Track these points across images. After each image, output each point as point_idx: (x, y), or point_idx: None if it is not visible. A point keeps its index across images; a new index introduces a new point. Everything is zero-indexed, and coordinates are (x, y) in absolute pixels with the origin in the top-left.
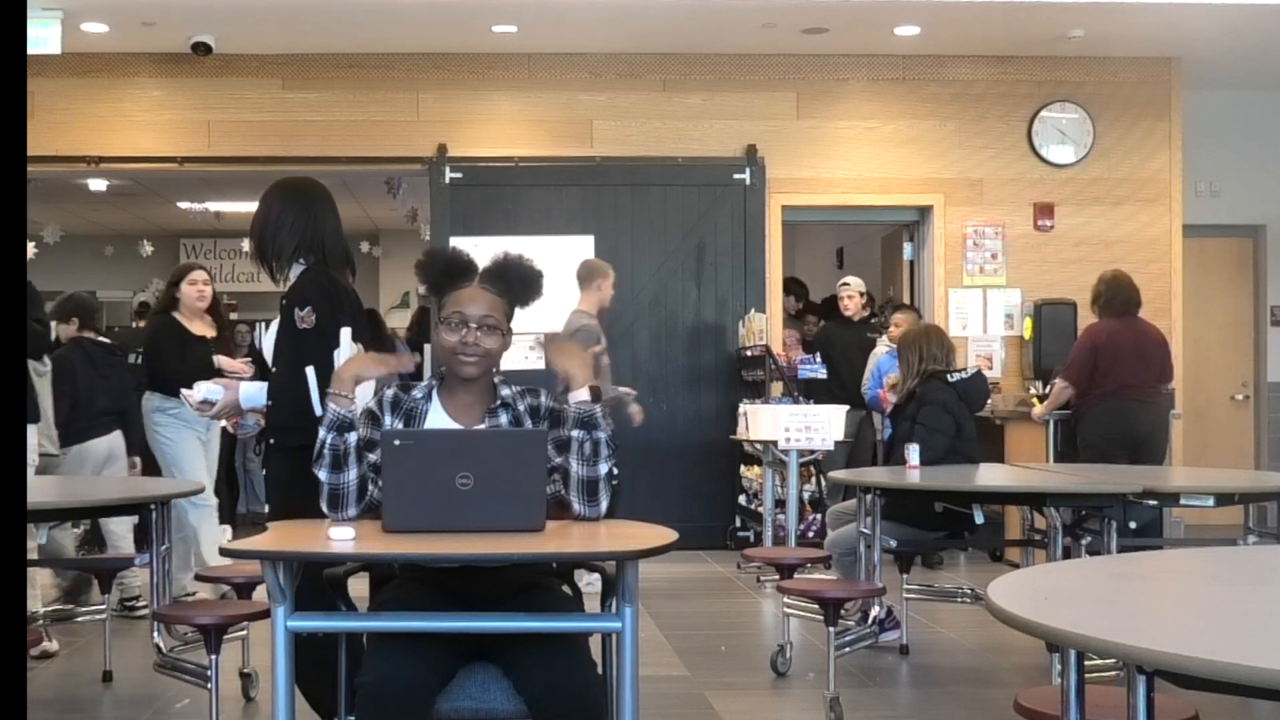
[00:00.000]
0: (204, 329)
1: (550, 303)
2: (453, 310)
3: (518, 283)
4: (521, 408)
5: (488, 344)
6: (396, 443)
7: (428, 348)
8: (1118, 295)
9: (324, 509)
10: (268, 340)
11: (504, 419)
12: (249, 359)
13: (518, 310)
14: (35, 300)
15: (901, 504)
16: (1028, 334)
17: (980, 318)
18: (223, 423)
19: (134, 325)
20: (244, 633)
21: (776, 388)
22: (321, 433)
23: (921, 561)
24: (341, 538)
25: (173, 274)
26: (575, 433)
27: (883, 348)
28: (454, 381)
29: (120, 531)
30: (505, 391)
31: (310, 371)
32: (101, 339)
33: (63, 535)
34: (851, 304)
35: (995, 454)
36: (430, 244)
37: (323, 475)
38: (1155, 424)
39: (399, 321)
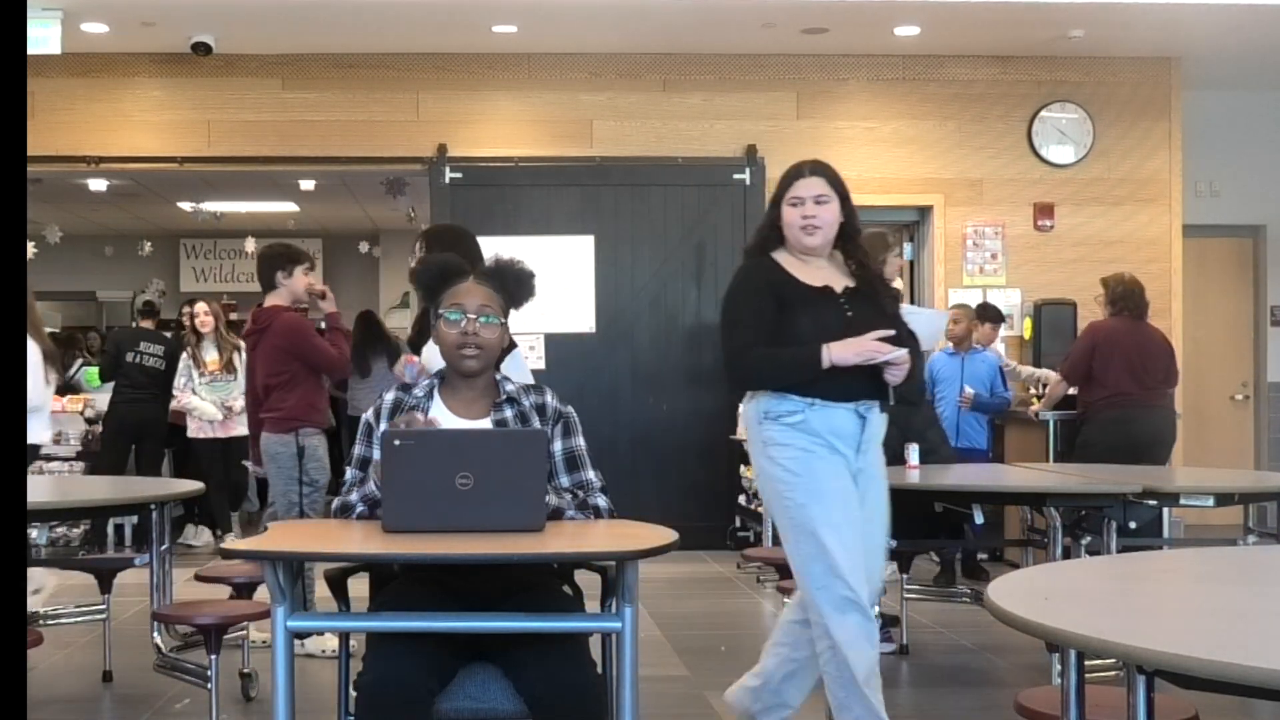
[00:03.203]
0: None
1: (550, 302)
2: (451, 303)
3: (512, 282)
4: (527, 404)
5: (486, 335)
6: (396, 443)
7: (427, 349)
8: (1130, 298)
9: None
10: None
11: (509, 414)
12: None
13: (516, 311)
14: None
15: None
16: (1027, 334)
17: None
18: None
19: (133, 325)
20: (244, 633)
21: None
22: (356, 498)
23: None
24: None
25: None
26: (576, 514)
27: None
28: (455, 379)
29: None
30: (509, 387)
31: None
32: None
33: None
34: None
35: (995, 454)
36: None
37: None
38: (1159, 430)
39: (399, 322)
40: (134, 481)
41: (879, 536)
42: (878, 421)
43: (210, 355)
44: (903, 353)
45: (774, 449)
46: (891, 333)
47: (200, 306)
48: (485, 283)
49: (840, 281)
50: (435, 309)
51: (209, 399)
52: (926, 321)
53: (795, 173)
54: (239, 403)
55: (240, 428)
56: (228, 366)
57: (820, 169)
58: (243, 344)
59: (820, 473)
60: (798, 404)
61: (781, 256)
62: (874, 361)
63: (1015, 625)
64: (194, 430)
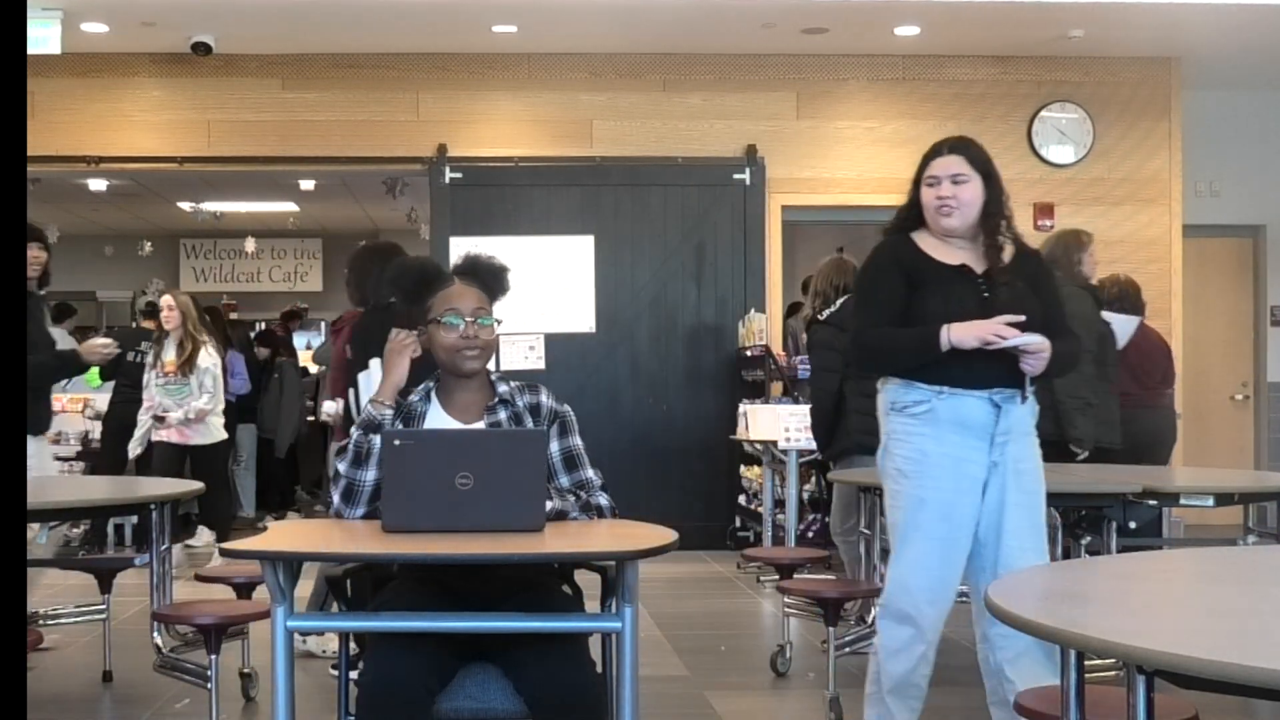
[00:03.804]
0: None
1: (550, 302)
2: (446, 308)
3: (489, 278)
4: (521, 404)
5: (485, 335)
6: (396, 443)
7: (375, 364)
8: (1126, 298)
9: (335, 500)
10: None
11: (503, 415)
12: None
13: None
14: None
15: None
16: None
17: None
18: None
19: (134, 325)
20: (244, 633)
21: (776, 388)
22: (354, 430)
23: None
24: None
25: None
26: (581, 515)
27: None
28: (450, 381)
29: None
30: (503, 388)
31: None
32: None
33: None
34: None
35: None
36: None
37: (342, 467)
38: (1159, 430)
39: None
40: (134, 481)
41: (1023, 537)
42: (1018, 413)
43: (169, 354)
44: (1035, 340)
45: (893, 443)
46: (1022, 318)
47: (165, 300)
48: (470, 282)
49: (981, 263)
50: (423, 314)
51: (164, 402)
52: (1121, 324)
53: (934, 150)
54: (202, 409)
55: (202, 437)
56: (184, 367)
57: (960, 146)
58: (207, 341)
59: (931, 479)
60: (925, 393)
61: (920, 236)
62: (997, 346)
63: (1015, 625)
64: (155, 435)
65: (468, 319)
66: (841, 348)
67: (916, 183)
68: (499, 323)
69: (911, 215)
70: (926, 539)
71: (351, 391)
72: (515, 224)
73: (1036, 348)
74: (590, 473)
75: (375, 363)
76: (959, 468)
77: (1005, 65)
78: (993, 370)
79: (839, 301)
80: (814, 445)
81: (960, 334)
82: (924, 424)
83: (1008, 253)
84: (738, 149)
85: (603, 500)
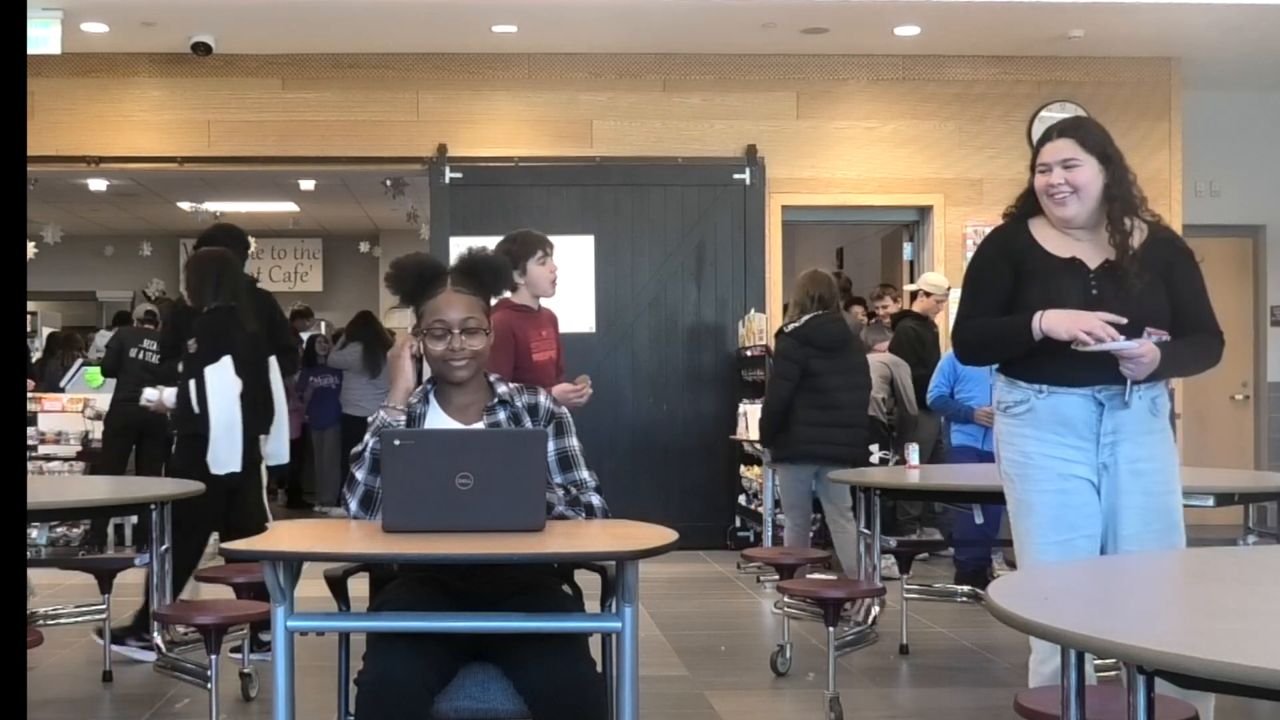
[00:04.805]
0: None
1: (550, 302)
2: (434, 320)
3: (488, 275)
4: (520, 404)
5: (473, 346)
6: (396, 443)
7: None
8: None
9: (353, 506)
10: None
11: (502, 415)
12: None
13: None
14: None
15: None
16: None
17: None
18: None
19: (135, 324)
20: (244, 633)
21: None
22: (368, 436)
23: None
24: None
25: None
26: (568, 510)
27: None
28: (448, 384)
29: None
30: (502, 389)
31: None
32: None
33: None
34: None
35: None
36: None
37: (360, 475)
38: None
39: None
40: (134, 481)
41: (1146, 543)
42: (1129, 411)
43: None
44: (1128, 346)
45: (1002, 445)
46: (1123, 320)
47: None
48: (463, 287)
49: (1099, 255)
50: (416, 315)
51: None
52: None
53: (1044, 135)
54: None
55: None
56: None
57: (1071, 129)
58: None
59: (1035, 484)
60: (1025, 392)
61: (1037, 223)
62: (1086, 346)
63: (1015, 625)
64: None
65: (454, 331)
66: (800, 359)
67: (1033, 168)
68: (488, 332)
69: (1030, 201)
70: (1042, 546)
71: (194, 383)
72: (515, 224)
73: (1131, 354)
74: (585, 474)
75: (227, 358)
76: (1064, 469)
77: (1005, 65)
78: (1096, 366)
79: (804, 318)
80: None
81: (1052, 322)
82: (1025, 425)
83: (1137, 239)
84: (738, 149)
85: (595, 500)
